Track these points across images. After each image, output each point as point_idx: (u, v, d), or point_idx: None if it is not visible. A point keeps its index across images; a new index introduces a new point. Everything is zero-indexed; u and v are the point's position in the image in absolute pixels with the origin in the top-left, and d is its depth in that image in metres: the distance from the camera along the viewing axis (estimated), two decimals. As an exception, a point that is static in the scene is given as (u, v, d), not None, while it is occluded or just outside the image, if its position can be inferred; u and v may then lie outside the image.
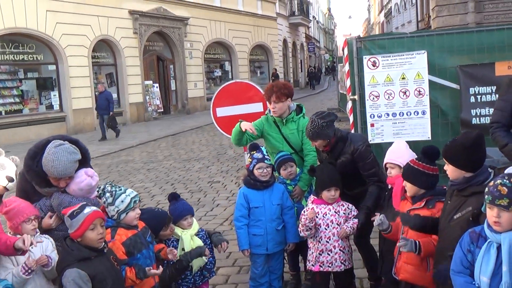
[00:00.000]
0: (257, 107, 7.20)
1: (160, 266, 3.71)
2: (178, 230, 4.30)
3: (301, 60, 47.58)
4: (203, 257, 4.34)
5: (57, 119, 19.96)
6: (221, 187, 9.72)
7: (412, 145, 4.65)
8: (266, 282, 4.56)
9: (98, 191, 3.64)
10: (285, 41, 39.68)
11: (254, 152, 4.54)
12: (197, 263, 4.32)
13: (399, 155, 4.06)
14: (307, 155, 4.97)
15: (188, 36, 26.69)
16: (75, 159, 3.66)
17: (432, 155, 3.67)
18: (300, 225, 4.35)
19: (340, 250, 4.26)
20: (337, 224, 4.26)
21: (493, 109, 4.32)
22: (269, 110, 5.18)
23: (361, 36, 7.78)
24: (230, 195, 9.03)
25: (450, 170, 3.21)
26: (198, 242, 4.34)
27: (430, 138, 6.49)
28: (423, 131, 6.70)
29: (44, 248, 3.48)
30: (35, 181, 3.74)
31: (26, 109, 19.40)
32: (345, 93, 15.21)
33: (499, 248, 2.67)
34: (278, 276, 4.67)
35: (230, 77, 30.07)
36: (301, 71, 47.14)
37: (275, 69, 34.11)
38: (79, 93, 20.34)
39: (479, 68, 6.50)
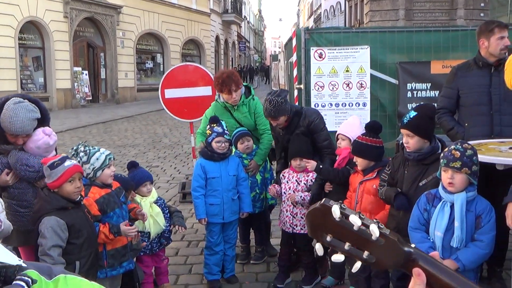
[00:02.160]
0: (206, 90, 7.31)
1: (135, 224, 3.78)
2: (137, 198, 4.39)
3: (232, 58, 47.86)
4: (161, 224, 4.45)
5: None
6: (160, 171, 9.73)
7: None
8: (221, 250, 4.71)
9: (71, 152, 3.67)
10: (217, 37, 39.77)
11: (215, 125, 4.66)
12: (154, 230, 4.42)
13: (352, 129, 4.38)
14: (262, 134, 5.17)
15: (120, 24, 26.16)
16: (34, 117, 3.64)
17: (377, 129, 4.02)
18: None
19: (290, 214, 4.56)
20: (293, 191, 4.54)
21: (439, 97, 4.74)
22: (218, 96, 5.25)
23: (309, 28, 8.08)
24: (171, 178, 9.09)
25: (414, 141, 3.45)
26: (157, 210, 4.44)
27: (369, 129, 6.88)
28: (363, 122, 7.11)
29: None
30: None
31: None
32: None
33: (452, 207, 3.01)
34: (233, 245, 4.83)
35: (161, 69, 29.73)
36: (232, 68, 47.42)
37: None
38: (2, 75, 19.44)
39: (416, 66, 6.98)
